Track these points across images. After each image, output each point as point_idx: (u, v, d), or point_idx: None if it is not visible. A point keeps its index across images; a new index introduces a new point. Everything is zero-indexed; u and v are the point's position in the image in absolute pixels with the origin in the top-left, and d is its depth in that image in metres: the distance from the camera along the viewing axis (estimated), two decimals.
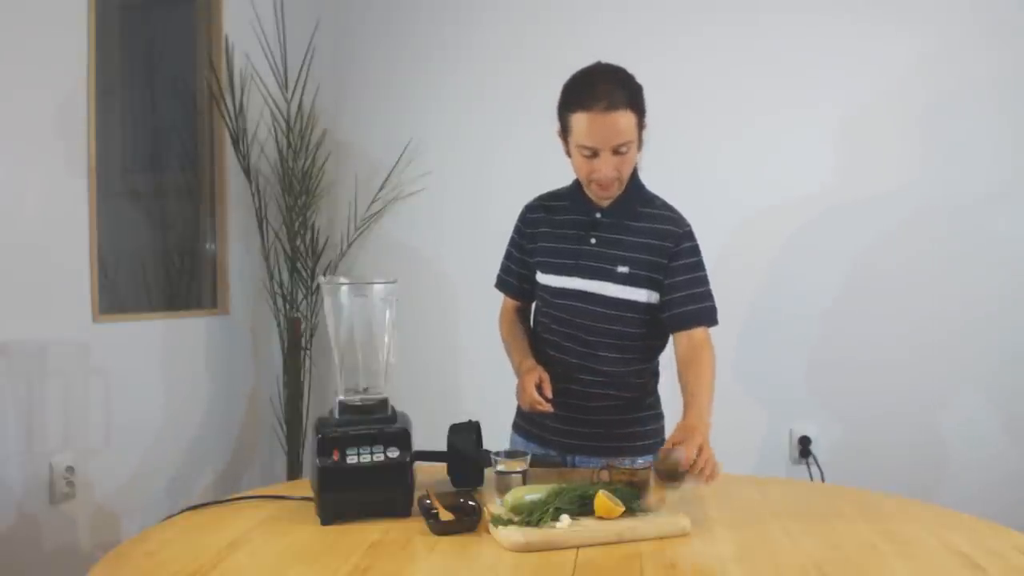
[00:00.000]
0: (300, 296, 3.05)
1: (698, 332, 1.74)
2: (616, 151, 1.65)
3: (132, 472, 2.55)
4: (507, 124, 3.03)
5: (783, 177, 2.86)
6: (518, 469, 1.55)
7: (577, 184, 1.82)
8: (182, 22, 2.95)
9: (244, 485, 3.00)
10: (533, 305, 1.95)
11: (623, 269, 1.74)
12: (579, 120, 1.65)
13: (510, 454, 1.59)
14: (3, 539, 2.16)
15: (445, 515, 1.40)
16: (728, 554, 1.28)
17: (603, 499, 1.37)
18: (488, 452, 1.58)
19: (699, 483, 1.47)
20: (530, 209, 1.90)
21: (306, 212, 3.05)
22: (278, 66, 3.00)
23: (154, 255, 2.90)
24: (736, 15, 2.88)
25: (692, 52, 2.91)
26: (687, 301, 1.74)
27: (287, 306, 3.04)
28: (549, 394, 1.71)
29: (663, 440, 1.86)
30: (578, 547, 1.30)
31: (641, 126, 1.69)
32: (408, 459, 1.45)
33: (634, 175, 1.79)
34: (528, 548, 1.29)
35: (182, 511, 1.51)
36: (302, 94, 3.02)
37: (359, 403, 1.51)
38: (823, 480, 2.77)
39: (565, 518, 1.34)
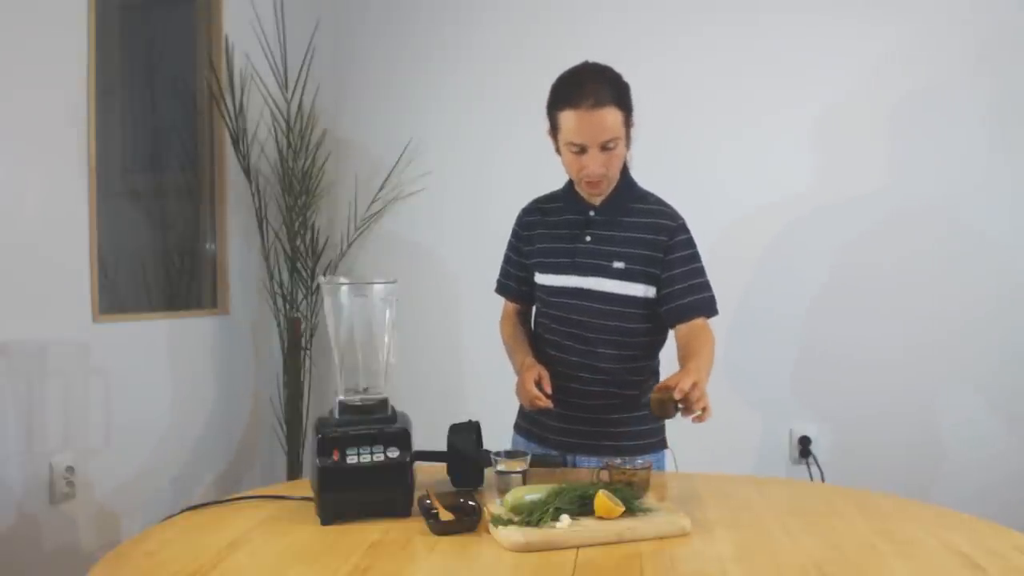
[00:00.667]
0: (300, 296, 3.05)
1: (697, 321, 1.75)
2: (604, 147, 1.67)
3: (132, 472, 2.55)
4: (507, 124, 3.03)
5: (783, 176, 2.86)
6: (518, 469, 1.55)
7: (570, 184, 1.84)
8: (182, 22, 2.95)
9: (244, 485, 3.00)
10: (533, 308, 1.96)
11: (619, 265, 1.75)
12: (567, 118, 1.67)
13: (510, 454, 1.59)
14: (3, 539, 2.16)
15: (445, 515, 1.40)
16: (728, 554, 1.28)
17: (603, 499, 1.37)
18: (488, 452, 1.58)
19: (690, 418, 1.50)
20: (526, 212, 1.93)
21: (306, 212, 3.05)
22: (278, 66, 3.00)
23: (154, 255, 2.90)
24: (735, 15, 2.88)
25: (691, 52, 2.91)
26: (685, 293, 1.75)
27: (287, 306, 3.04)
28: (549, 390, 1.72)
29: (663, 440, 1.87)
30: (578, 547, 1.30)
31: (629, 124, 1.71)
32: (408, 459, 1.45)
33: (625, 173, 1.81)
34: (528, 548, 1.29)
35: (182, 511, 1.51)
36: (302, 94, 3.02)
37: (359, 403, 1.51)
38: (823, 480, 2.77)
39: (565, 518, 1.34)
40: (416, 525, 1.40)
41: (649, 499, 1.48)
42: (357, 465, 1.42)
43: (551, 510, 1.35)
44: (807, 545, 1.31)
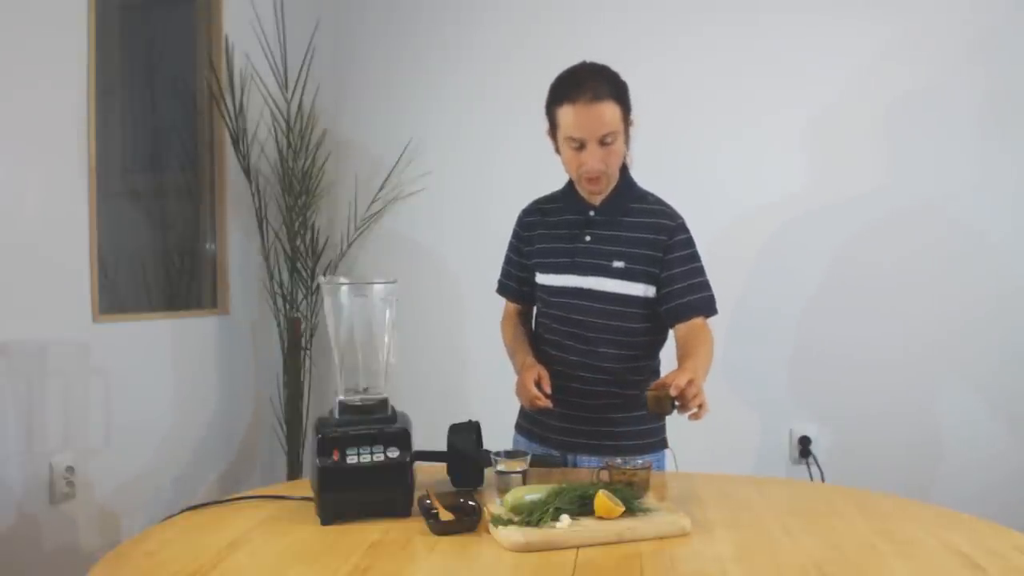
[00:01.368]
0: (300, 296, 3.05)
1: (697, 321, 1.75)
2: (602, 143, 1.68)
3: (132, 472, 2.55)
4: (507, 124, 3.03)
5: (782, 176, 2.86)
6: (518, 469, 1.55)
7: (570, 185, 1.85)
8: (182, 22, 2.95)
9: (244, 485, 3.00)
10: (534, 308, 1.97)
11: (618, 264, 1.76)
12: (565, 113, 1.68)
13: (510, 454, 1.59)
14: (3, 539, 2.16)
15: (445, 515, 1.40)
16: (728, 554, 1.28)
17: (603, 499, 1.37)
18: (488, 452, 1.58)
19: (687, 415, 1.51)
20: (526, 213, 1.93)
21: (306, 212, 3.05)
22: (278, 66, 3.00)
23: (154, 255, 2.90)
24: (734, 15, 2.88)
25: (691, 52, 2.91)
26: (685, 292, 1.75)
27: (287, 306, 3.04)
28: (548, 390, 1.72)
29: (664, 440, 1.87)
30: (578, 547, 1.30)
31: (627, 122, 1.72)
32: (408, 459, 1.45)
33: (625, 173, 1.81)
34: (528, 548, 1.29)
35: (182, 511, 1.51)
36: (302, 94, 3.02)
37: (359, 403, 1.51)
38: (823, 480, 2.77)
39: (565, 518, 1.34)
40: (416, 525, 1.40)
41: (649, 499, 1.48)
42: (357, 465, 1.42)
43: (551, 510, 1.35)
44: (807, 545, 1.31)
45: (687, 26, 2.92)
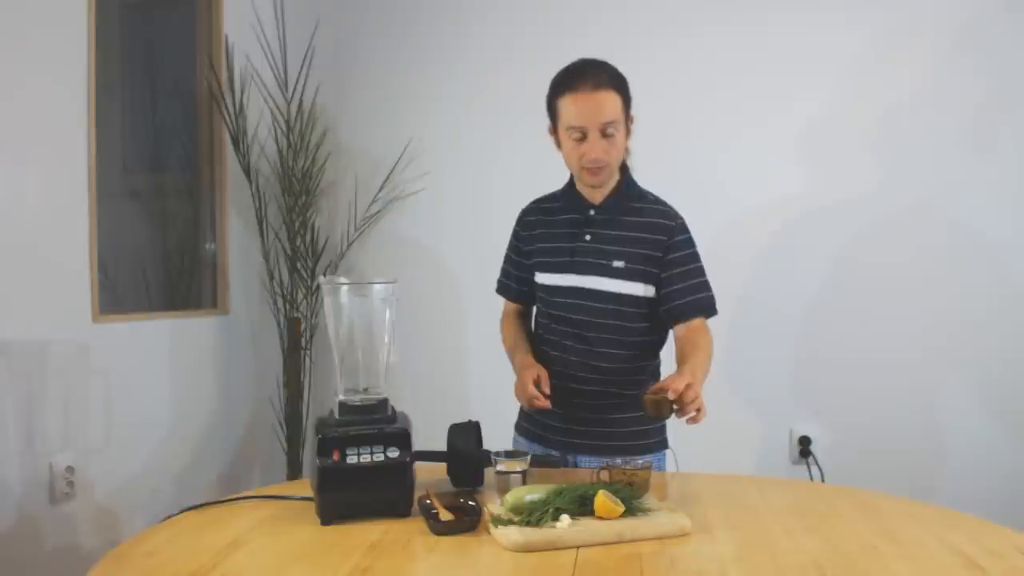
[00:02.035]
0: (300, 296, 3.05)
1: (696, 322, 1.75)
2: (604, 133, 1.68)
3: (132, 472, 2.55)
4: (507, 124, 3.02)
5: (783, 177, 2.86)
6: (518, 469, 1.55)
7: (570, 184, 1.85)
8: (182, 22, 2.95)
9: (244, 485, 3.00)
10: (534, 307, 1.97)
11: (618, 264, 1.76)
12: (567, 103, 1.69)
13: (510, 454, 1.59)
14: (3, 539, 2.16)
15: (445, 515, 1.40)
16: (728, 554, 1.28)
17: (603, 499, 1.37)
18: (488, 452, 1.58)
19: (684, 419, 1.52)
20: (526, 212, 1.93)
21: (306, 212, 3.05)
22: (278, 66, 3.00)
23: (154, 255, 2.90)
24: (734, 15, 2.88)
25: (691, 53, 2.91)
26: (685, 293, 1.75)
27: (287, 306, 3.04)
28: (547, 390, 1.72)
29: (664, 440, 1.87)
30: (578, 547, 1.30)
31: (628, 114, 1.72)
32: (408, 459, 1.45)
33: (625, 172, 1.81)
34: (528, 548, 1.28)
35: (182, 511, 1.51)
36: (302, 94, 3.02)
37: (359, 403, 1.51)
38: (823, 480, 2.77)
39: (565, 518, 1.34)
40: (416, 525, 1.40)
41: (649, 499, 1.47)
42: (357, 465, 1.42)
43: (551, 510, 1.35)
44: (807, 545, 1.31)
45: (687, 27, 2.92)
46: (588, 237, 1.80)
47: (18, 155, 2.20)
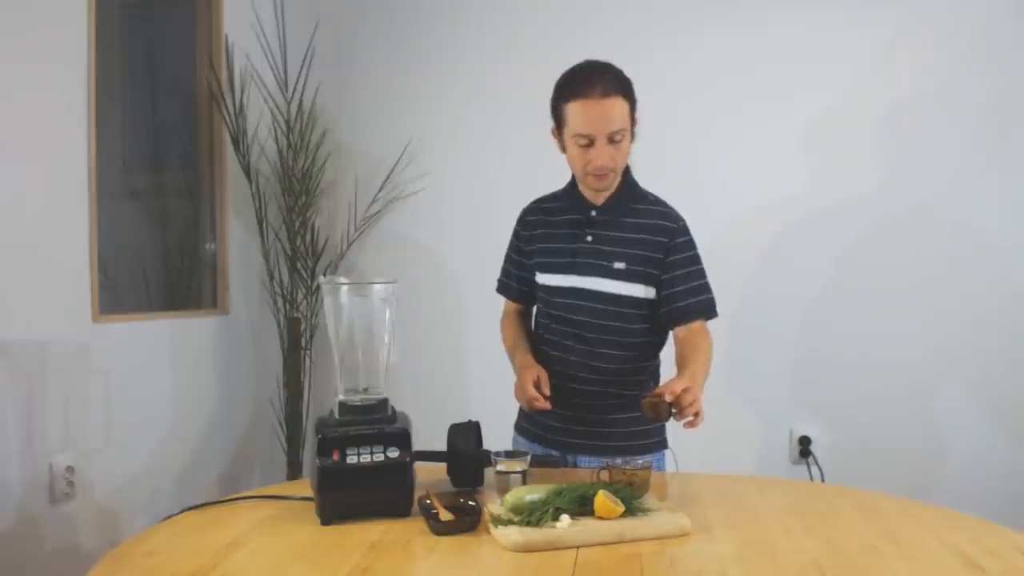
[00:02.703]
0: (300, 296, 3.05)
1: (696, 324, 1.75)
2: (611, 140, 1.68)
3: (132, 472, 2.55)
4: (507, 124, 3.02)
5: (783, 177, 2.86)
6: (518, 469, 1.55)
7: (571, 184, 1.84)
8: (182, 22, 2.95)
9: (244, 485, 3.00)
10: (534, 308, 1.97)
11: (619, 265, 1.75)
12: (574, 109, 1.68)
13: (510, 454, 1.59)
14: (3, 539, 2.16)
15: (445, 515, 1.40)
16: (728, 554, 1.28)
17: (603, 499, 1.37)
18: (488, 452, 1.58)
19: (682, 422, 1.53)
20: (527, 212, 1.93)
21: (306, 212, 3.05)
22: (278, 66, 3.00)
23: (154, 255, 2.90)
24: (734, 15, 2.88)
25: (691, 53, 2.91)
26: (686, 295, 1.75)
27: (287, 306, 3.04)
28: (547, 391, 1.72)
29: (664, 440, 1.87)
30: (578, 547, 1.30)
31: (633, 118, 1.71)
32: (408, 459, 1.45)
33: (627, 172, 1.81)
34: (528, 548, 1.28)
35: (182, 511, 1.51)
36: (302, 94, 3.02)
37: (359, 403, 1.51)
38: (823, 480, 2.77)
39: (565, 518, 1.34)
40: (416, 525, 1.40)
41: (649, 499, 1.47)
42: (357, 465, 1.42)
43: (551, 510, 1.35)
44: (807, 545, 1.31)
45: (687, 27, 2.92)
46: (590, 238, 1.79)
47: (18, 155, 2.20)
